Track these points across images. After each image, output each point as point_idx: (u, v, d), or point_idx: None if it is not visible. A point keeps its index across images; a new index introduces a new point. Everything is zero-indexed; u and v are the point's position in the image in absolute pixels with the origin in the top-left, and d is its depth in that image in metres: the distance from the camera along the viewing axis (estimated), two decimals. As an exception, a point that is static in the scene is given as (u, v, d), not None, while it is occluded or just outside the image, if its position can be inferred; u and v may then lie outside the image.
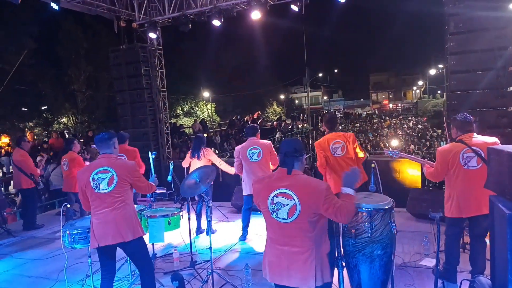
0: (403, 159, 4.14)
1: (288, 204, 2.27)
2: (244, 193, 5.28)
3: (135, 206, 3.83)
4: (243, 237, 5.36)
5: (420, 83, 54.24)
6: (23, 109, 20.52)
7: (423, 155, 16.67)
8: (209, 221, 4.24)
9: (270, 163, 5.16)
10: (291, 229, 2.29)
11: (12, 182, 8.00)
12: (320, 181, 2.33)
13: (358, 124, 35.46)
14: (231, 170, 5.63)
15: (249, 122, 19.76)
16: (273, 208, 2.32)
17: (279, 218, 2.30)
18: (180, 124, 20.73)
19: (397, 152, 4.01)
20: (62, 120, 22.55)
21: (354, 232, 3.07)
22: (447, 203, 3.51)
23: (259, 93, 34.34)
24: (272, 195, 2.33)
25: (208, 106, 28.53)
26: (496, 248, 2.30)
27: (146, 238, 3.96)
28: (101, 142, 3.23)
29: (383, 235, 3.03)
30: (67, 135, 16.92)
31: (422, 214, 5.56)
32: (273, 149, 5.21)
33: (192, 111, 27.56)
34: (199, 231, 5.73)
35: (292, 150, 2.36)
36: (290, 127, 24.31)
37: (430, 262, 4.18)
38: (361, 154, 4.54)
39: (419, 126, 29.46)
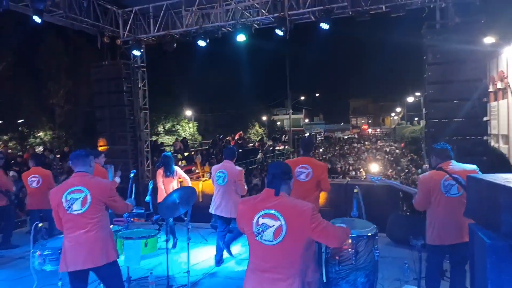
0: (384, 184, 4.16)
1: (274, 226, 2.21)
2: (210, 210, 5.29)
3: (111, 226, 3.68)
4: (217, 263, 5.19)
5: (398, 109, 55.82)
6: (-2, 122, 19.88)
7: (401, 180, 16.92)
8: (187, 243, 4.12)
9: (236, 190, 5.03)
10: (275, 253, 2.22)
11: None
12: (305, 202, 2.32)
13: (338, 148, 35.92)
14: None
15: (232, 143, 19.72)
16: (258, 230, 2.25)
17: (264, 240, 2.23)
18: (161, 142, 20.48)
19: (379, 178, 4.02)
20: (38, 134, 21.90)
21: (338, 259, 3.03)
22: (428, 230, 3.52)
23: (242, 114, 34.55)
24: (257, 216, 2.27)
25: (190, 125, 28.39)
26: (476, 276, 2.30)
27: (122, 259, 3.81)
28: (77, 159, 3.10)
29: (366, 262, 3.01)
30: (41, 149, 16.34)
31: (401, 239, 5.58)
32: (242, 177, 5.06)
33: (173, 129, 27.32)
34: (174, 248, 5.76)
35: (281, 172, 2.35)
36: (271, 148, 24.44)
37: (409, 290, 4.16)
38: (324, 189, 4.14)
39: (396, 151, 29.94)
